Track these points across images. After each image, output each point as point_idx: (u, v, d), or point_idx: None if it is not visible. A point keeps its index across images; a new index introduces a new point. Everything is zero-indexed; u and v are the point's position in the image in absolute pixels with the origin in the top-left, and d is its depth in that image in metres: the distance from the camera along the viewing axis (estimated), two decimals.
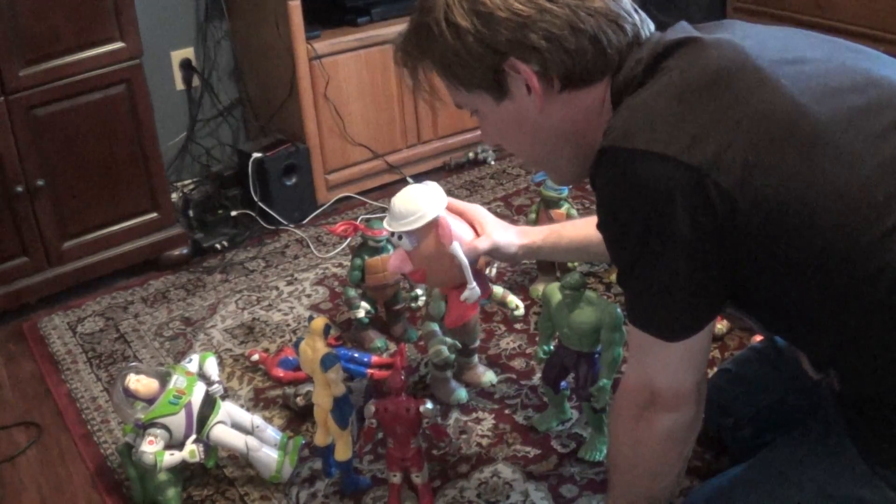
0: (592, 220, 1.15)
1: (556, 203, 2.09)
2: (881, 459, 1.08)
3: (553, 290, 1.63)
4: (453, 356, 1.77)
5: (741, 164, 0.97)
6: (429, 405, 1.51)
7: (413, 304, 2.00)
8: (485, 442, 1.70)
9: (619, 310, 1.56)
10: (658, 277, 1.05)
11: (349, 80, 2.69)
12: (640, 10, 1.13)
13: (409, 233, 1.44)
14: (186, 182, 2.85)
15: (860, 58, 1.11)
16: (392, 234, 1.47)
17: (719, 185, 0.97)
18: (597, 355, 1.60)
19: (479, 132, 2.98)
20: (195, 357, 1.75)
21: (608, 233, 1.08)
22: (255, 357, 1.99)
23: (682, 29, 1.12)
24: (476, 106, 1.19)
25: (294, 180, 2.66)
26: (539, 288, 2.17)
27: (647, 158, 0.99)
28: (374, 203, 2.78)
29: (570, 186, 2.14)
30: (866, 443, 1.08)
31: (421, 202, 1.44)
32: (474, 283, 1.44)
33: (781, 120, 0.99)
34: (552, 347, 1.69)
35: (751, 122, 0.99)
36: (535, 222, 2.14)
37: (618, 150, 1.02)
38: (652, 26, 1.14)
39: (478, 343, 1.88)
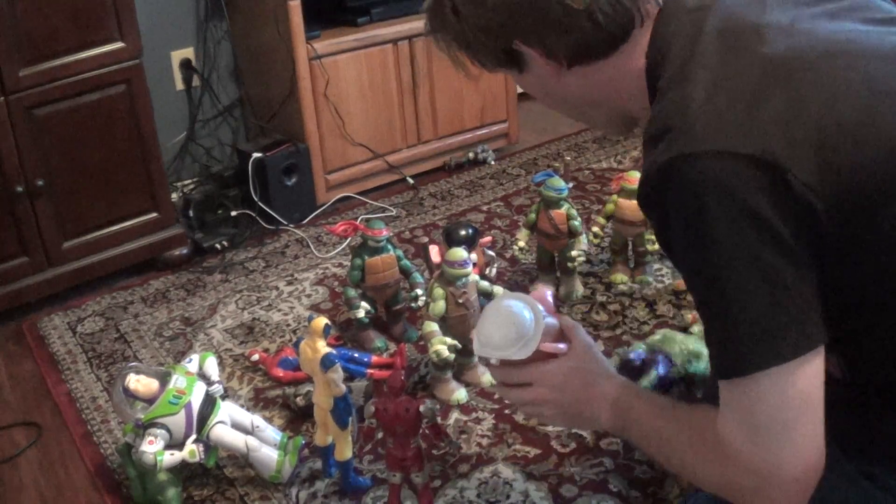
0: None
1: (556, 203, 2.09)
2: (875, 460, 1.07)
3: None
4: (453, 356, 1.77)
5: (815, 154, 0.93)
6: (429, 405, 1.51)
7: (413, 304, 2.00)
8: (485, 442, 1.70)
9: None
10: (766, 281, 0.94)
11: (349, 80, 2.69)
12: None
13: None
14: (186, 182, 2.86)
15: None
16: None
17: (797, 176, 0.92)
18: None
19: (479, 132, 3.02)
20: (195, 357, 1.75)
21: (692, 256, 0.98)
22: (255, 357, 1.99)
23: (732, 10, 1.05)
24: (506, 73, 1.18)
25: (294, 180, 2.66)
26: (539, 288, 2.16)
27: (723, 160, 0.93)
28: (374, 203, 2.78)
29: (571, 186, 2.14)
30: (859, 442, 1.06)
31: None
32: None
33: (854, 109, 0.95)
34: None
35: (820, 115, 0.95)
36: (535, 222, 2.14)
37: (686, 159, 0.94)
38: None
39: None
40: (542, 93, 1.19)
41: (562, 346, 1.23)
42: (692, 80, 0.98)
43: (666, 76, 1.03)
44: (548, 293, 1.32)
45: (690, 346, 1.67)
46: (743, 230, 0.93)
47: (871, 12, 1.08)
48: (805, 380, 0.96)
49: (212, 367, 1.73)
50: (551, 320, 1.25)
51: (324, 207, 2.75)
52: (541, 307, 1.25)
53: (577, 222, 2.10)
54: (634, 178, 2.07)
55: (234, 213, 2.64)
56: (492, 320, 1.25)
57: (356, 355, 1.90)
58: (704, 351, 1.66)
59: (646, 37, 1.07)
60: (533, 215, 2.15)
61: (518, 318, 1.22)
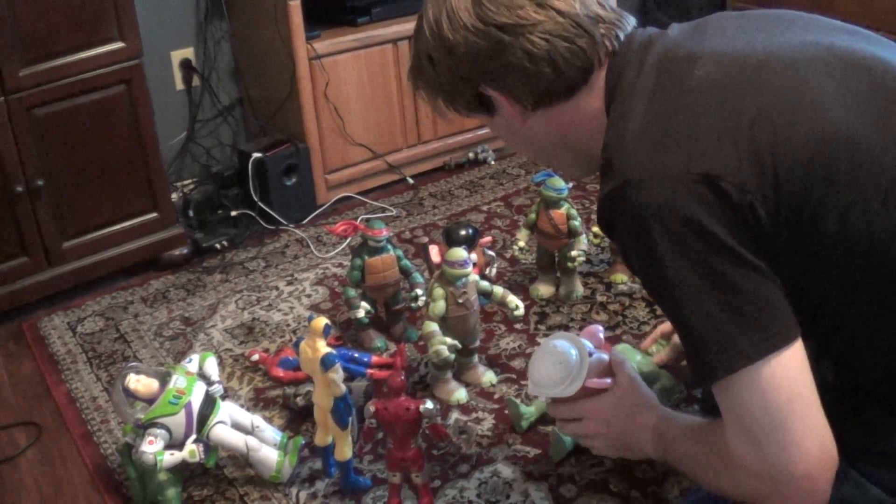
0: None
1: (556, 203, 2.09)
2: (866, 457, 1.07)
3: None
4: (453, 356, 1.77)
5: (750, 158, 0.97)
6: (429, 405, 1.51)
7: (413, 304, 2.00)
8: (485, 442, 1.70)
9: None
10: (717, 289, 0.98)
11: (349, 80, 2.69)
12: (605, 21, 1.12)
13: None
14: (186, 182, 2.85)
15: (854, 40, 1.10)
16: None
17: (732, 183, 0.96)
18: None
19: (479, 132, 3.02)
20: (195, 357, 1.75)
21: (650, 276, 1.04)
22: (255, 357, 1.99)
23: (672, 43, 1.11)
24: (478, 118, 1.25)
25: (294, 180, 2.66)
26: (539, 288, 2.17)
27: (657, 183, 0.98)
28: (374, 203, 2.78)
29: (571, 186, 2.14)
30: (850, 440, 1.07)
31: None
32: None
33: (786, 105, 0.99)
34: None
35: (751, 122, 0.98)
36: (535, 222, 2.14)
37: (624, 188, 1.00)
38: (621, 32, 1.14)
39: (478, 343, 1.88)
40: (510, 136, 1.26)
41: (607, 381, 1.28)
42: (629, 114, 1.05)
43: (613, 113, 1.10)
44: (598, 330, 1.39)
45: (645, 368, 1.65)
46: (686, 245, 0.98)
47: (810, 24, 1.13)
48: (781, 376, 0.98)
49: (212, 367, 1.73)
50: (600, 355, 1.31)
51: (324, 207, 2.75)
52: (589, 343, 1.32)
53: (577, 222, 2.10)
54: None
55: (234, 213, 2.64)
56: (541, 361, 1.33)
57: (356, 355, 1.89)
58: (660, 371, 1.68)
59: (602, 78, 1.13)
60: (533, 215, 2.15)
61: (564, 358, 1.30)
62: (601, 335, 1.38)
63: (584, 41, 1.11)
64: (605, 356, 1.31)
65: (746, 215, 0.97)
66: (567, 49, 1.10)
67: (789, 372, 0.98)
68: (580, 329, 1.54)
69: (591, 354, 1.30)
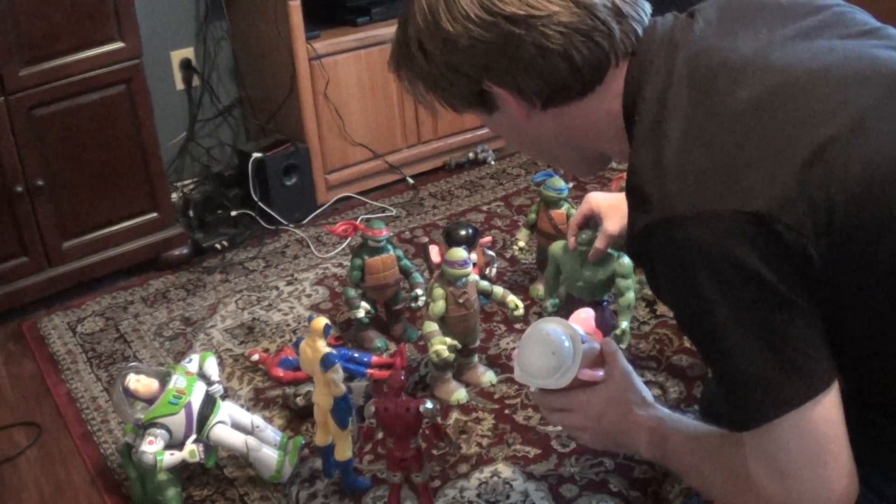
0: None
1: (556, 203, 2.09)
2: (871, 465, 1.07)
3: (559, 248, 1.85)
4: (453, 356, 1.77)
5: (803, 196, 0.90)
6: (429, 405, 1.51)
7: (413, 304, 2.00)
8: (485, 442, 1.70)
9: (627, 259, 1.76)
10: (764, 335, 0.93)
11: (349, 80, 2.69)
12: (625, 15, 1.03)
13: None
14: (186, 182, 2.85)
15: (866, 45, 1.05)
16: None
17: (786, 224, 0.90)
18: (605, 302, 1.83)
19: (479, 132, 3.01)
20: (195, 357, 1.75)
21: (691, 317, 0.98)
22: (255, 357, 1.99)
23: (701, 43, 1.03)
24: (474, 114, 1.17)
25: (294, 180, 2.66)
26: (539, 288, 2.17)
27: (704, 221, 0.91)
28: (374, 203, 2.78)
29: (571, 186, 2.14)
30: (862, 453, 1.06)
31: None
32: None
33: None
34: (557, 300, 1.90)
35: (803, 156, 0.92)
36: (535, 222, 2.14)
37: (666, 224, 0.93)
38: (639, 26, 1.06)
39: (478, 343, 1.89)
40: (512, 134, 1.17)
41: (599, 373, 1.22)
42: (665, 134, 0.96)
43: (640, 126, 1.00)
44: (590, 315, 1.32)
45: (592, 277, 1.77)
46: (734, 290, 0.92)
47: (847, 27, 1.06)
48: (821, 419, 0.95)
49: (212, 367, 1.73)
50: (592, 344, 1.25)
51: (324, 207, 2.76)
52: (581, 331, 1.25)
53: None
54: None
55: (234, 213, 2.64)
56: (531, 348, 1.24)
57: (356, 355, 1.90)
58: (592, 275, 1.78)
59: (620, 78, 1.05)
60: (533, 215, 2.15)
61: (557, 347, 1.21)
62: (592, 321, 1.31)
63: (602, 36, 1.02)
64: (597, 345, 1.25)
65: (798, 257, 0.91)
66: (584, 44, 1.01)
67: (828, 415, 0.95)
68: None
69: (582, 342, 1.23)
